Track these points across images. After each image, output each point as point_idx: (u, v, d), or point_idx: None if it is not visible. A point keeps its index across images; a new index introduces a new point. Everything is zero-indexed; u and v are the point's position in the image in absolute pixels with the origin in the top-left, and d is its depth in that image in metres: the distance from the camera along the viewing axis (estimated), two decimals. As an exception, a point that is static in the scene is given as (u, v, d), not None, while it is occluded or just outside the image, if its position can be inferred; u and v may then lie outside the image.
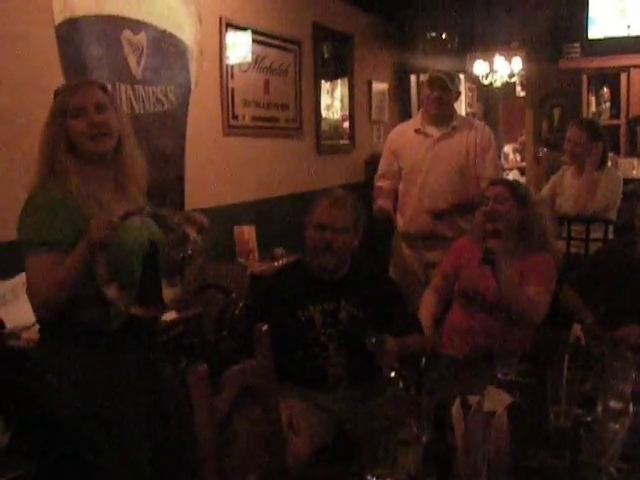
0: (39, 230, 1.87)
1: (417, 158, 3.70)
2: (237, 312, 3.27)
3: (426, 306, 2.92)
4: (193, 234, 2.07)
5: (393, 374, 2.72)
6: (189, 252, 2.06)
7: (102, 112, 1.97)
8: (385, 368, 2.49)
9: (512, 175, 8.01)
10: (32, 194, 1.91)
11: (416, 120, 3.84)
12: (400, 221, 3.79)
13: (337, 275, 2.50)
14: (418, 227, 3.71)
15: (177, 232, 2.06)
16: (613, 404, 2.01)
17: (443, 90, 3.63)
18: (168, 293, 3.11)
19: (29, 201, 1.91)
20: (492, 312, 2.77)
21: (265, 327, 1.98)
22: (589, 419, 1.93)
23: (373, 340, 2.28)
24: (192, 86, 4.05)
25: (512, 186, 2.92)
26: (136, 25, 3.60)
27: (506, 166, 8.52)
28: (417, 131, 3.75)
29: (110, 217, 1.85)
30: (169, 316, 3.06)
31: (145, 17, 3.66)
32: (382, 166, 3.93)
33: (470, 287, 2.85)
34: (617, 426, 1.69)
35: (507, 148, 9.32)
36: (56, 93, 2.00)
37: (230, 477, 1.86)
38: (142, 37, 3.66)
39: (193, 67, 4.05)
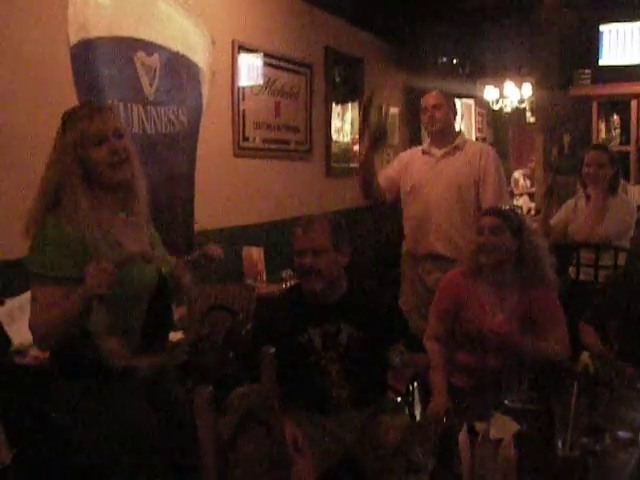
0: (49, 265, 1.82)
1: (420, 176, 3.73)
2: (244, 334, 3.26)
3: (433, 359, 2.75)
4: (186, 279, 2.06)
5: (399, 399, 2.73)
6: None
7: (121, 138, 1.93)
8: (391, 392, 2.48)
9: (522, 201, 8.00)
10: (43, 227, 1.85)
11: (426, 143, 3.89)
12: (407, 240, 3.79)
13: (333, 297, 2.49)
14: (420, 246, 3.70)
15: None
16: (622, 434, 2.00)
17: (434, 107, 3.68)
18: (174, 313, 3.12)
19: (40, 234, 1.85)
20: (502, 348, 2.68)
21: (272, 350, 1.98)
22: (597, 448, 1.91)
23: (398, 358, 2.26)
24: (204, 107, 4.08)
25: (506, 216, 2.83)
26: (149, 46, 3.64)
27: (516, 192, 8.52)
28: (424, 152, 3.80)
29: (105, 265, 1.76)
30: (175, 336, 3.06)
31: (158, 39, 3.70)
32: (387, 169, 3.97)
33: (474, 330, 2.75)
34: (626, 456, 1.67)
35: (517, 174, 9.32)
36: (64, 117, 1.94)
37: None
38: (155, 58, 3.70)
39: (205, 89, 4.09)
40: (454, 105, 3.85)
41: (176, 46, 3.84)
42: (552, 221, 4.12)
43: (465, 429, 1.53)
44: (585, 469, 1.65)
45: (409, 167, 3.82)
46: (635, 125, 6.90)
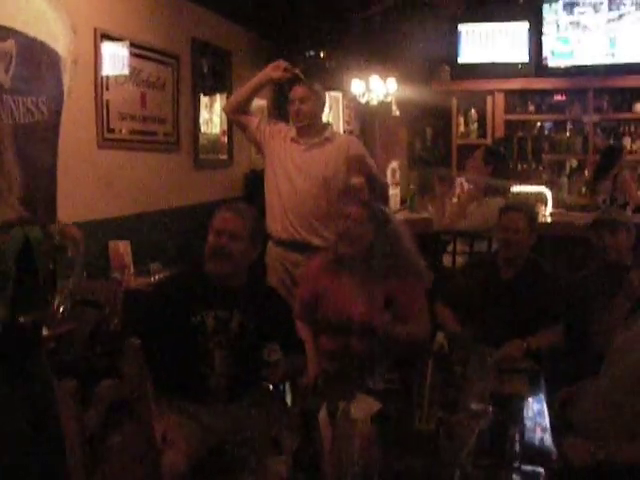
0: None
1: (287, 163, 3.75)
2: (111, 328, 3.20)
3: (304, 335, 2.87)
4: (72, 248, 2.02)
5: (271, 387, 2.78)
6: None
7: None
8: (267, 382, 2.53)
9: (397, 191, 8.20)
10: None
11: (294, 132, 3.88)
12: (272, 227, 3.83)
13: (232, 284, 2.53)
14: (287, 234, 3.75)
15: (52, 241, 2.01)
16: (474, 405, 2.15)
17: (301, 100, 3.72)
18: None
19: None
20: (363, 334, 2.79)
21: (137, 342, 1.97)
22: (451, 420, 2.04)
23: (270, 353, 2.30)
24: (65, 97, 3.93)
25: (370, 207, 2.90)
26: (4, 31, 3.44)
27: (392, 181, 8.74)
28: (292, 140, 3.82)
29: None
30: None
31: (14, 23, 3.52)
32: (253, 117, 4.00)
33: (334, 317, 2.86)
34: (474, 424, 1.80)
35: (394, 164, 9.56)
36: None
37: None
38: (11, 44, 3.50)
39: (66, 78, 3.92)
40: (322, 97, 3.91)
41: (34, 32, 3.66)
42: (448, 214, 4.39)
43: (325, 408, 1.60)
44: (436, 439, 1.76)
45: (276, 143, 3.82)
46: (491, 119, 7.32)
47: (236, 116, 3.99)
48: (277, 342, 2.35)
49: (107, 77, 4.26)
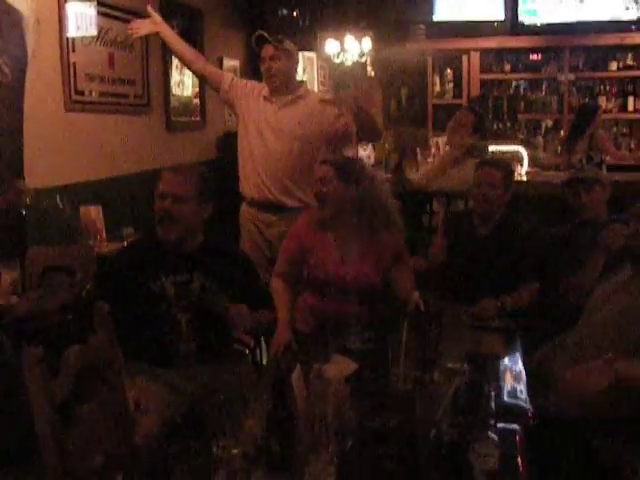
0: None
1: (259, 122, 3.69)
2: (83, 294, 3.15)
3: (277, 295, 2.85)
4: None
5: (247, 351, 2.76)
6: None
7: None
8: (237, 344, 2.51)
9: (369, 151, 8.16)
10: None
11: (266, 91, 3.80)
12: (244, 188, 3.78)
13: (188, 247, 2.49)
14: (260, 194, 3.70)
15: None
16: (450, 365, 2.15)
17: (271, 59, 3.66)
18: (7, 277, 2.96)
19: None
20: (344, 294, 2.79)
21: (106, 306, 1.93)
22: (427, 380, 2.04)
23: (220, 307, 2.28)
24: (29, 58, 3.82)
25: (338, 166, 2.86)
26: (-38, -10, 3.35)
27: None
28: (265, 98, 3.75)
29: None
30: (10, 300, 2.91)
31: (-28, -19, 3.41)
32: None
33: (321, 274, 2.85)
34: (449, 383, 1.79)
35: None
36: None
37: (74, 459, 1.80)
38: (-30, 4, 3.41)
39: (30, 38, 3.82)
40: (294, 55, 3.83)
41: (-6, -10, 3.55)
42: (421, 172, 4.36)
43: (299, 369, 1.58)
44: (412, 399, 1.75)
45: (249, 102, 3.76)
46: (466, 79, 7.26)
47: (204, 76, 3.92)
48: (243, 301, 2.32)
49: (73, 38, 4.13)
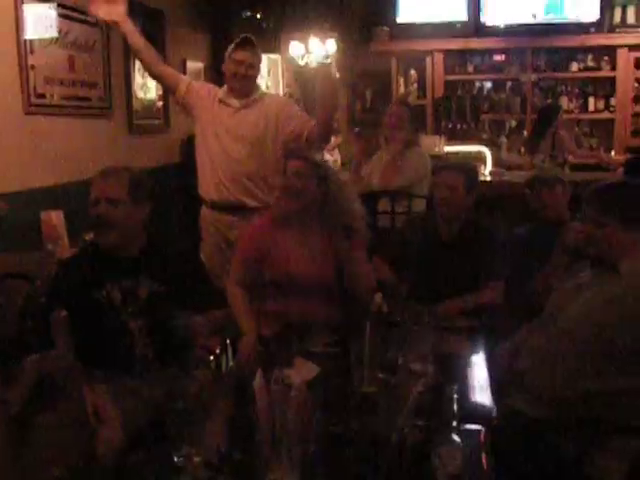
0: None
1: (216, 125, 3.68)
2: (43, 302, 3.09)
3: (238, 304, 2.80)
4: None
5: (212, 357, 2.73)
6: None
7: None
8: (198, 350, 2.48)
9: (336, 154, 8.15)
10: None
11: (222, 92, 3.79)
12: (204, 190, 3.76)
13: (131, 251, 2.44)
14: (220, 196, 3.68)
15: None
16: (414, 366, 2.14)
17: (249, 67, 3.66)
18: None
19: None
20: (307, 294, 2.77)
21: (64, 313, 1.89)
22: (392, 382, 2.03)
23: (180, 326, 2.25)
24: (-15, 61, 3.74)
25: (312, 162, 2.86)
26: None
27: (332, 145, 8.66)
28: (221, 101, 3.74)
29: None
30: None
31: None
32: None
33: (282, 272, 2.81)
34: (413, 384, 1.79)
35: (334, 126, 9.46)
36: None
37: (31, 470, 1.76)
38: None
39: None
40: (260, 59, 3.84)
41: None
42: (363, 172, 4.34)
43: (260, 374, 1.56)
44: (376, 401, 1.75)
45: (205, 105, 3.74)
46: (430, 80, 7.31)
47: (161, 77, 3.86)
48: (192, 300, 2.29)
49: (31, 40, 4.06)
